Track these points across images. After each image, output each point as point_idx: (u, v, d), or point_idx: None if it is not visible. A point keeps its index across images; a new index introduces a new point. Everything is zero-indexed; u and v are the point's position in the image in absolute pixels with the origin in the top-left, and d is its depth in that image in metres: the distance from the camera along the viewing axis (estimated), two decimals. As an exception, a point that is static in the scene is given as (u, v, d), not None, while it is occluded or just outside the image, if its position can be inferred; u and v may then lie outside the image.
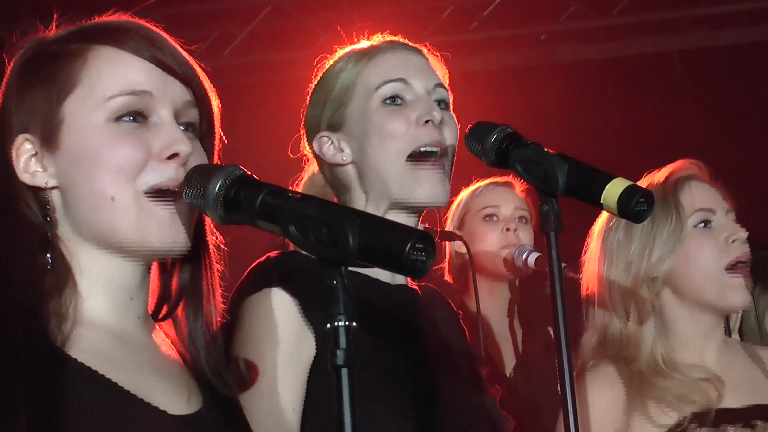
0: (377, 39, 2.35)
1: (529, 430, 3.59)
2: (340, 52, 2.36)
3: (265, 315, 2.09)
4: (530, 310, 3.97)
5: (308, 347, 2.10)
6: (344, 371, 1.52)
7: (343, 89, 2.29)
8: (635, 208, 2.07)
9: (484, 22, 6.39)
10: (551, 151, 2.13)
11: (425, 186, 2.22)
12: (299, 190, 2.44)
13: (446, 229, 3.87)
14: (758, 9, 6.34)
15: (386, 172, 2.23)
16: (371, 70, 2.28)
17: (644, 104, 6.84)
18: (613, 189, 2.08)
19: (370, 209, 2.25)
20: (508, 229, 3.77)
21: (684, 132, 6.50)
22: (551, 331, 3.97)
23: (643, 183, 2.82)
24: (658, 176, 2.83)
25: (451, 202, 3.89)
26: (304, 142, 2.39)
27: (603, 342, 2.76)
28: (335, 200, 2.35)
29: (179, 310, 1.81)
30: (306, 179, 2.44)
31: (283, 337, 2.08)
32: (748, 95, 6.62)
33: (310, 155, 2.38)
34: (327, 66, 2.35)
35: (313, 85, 2.37)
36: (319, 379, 2.09)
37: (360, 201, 2.28)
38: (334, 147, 2.29)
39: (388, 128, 2.23)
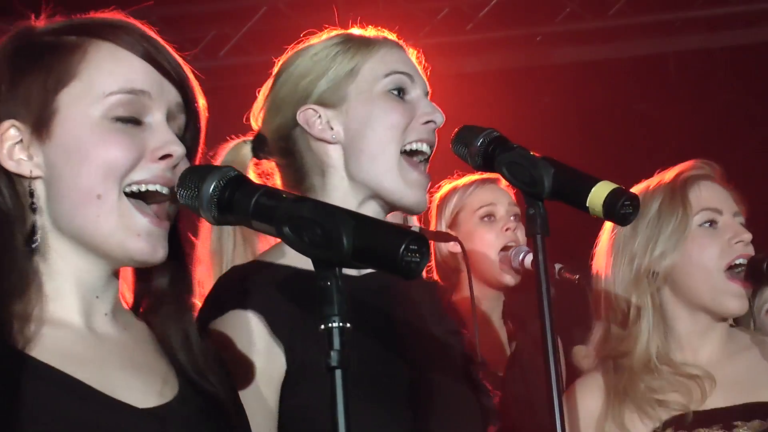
0: (373, 32, 2.33)
1: (525, 427, 3.59)
2: (331, 33, 2.32)
3: (232, 338, 2.06)
4: (522, 310, 3.97)
5: (278, 365, 2.08)
6: (338, 372, 1.52)
7: (345, 68, 2.24)
8: (620, 211, 2.08)
9: (480, 24, 6.39)
10: (537, 155, 2.14)
11: (415, 191, 2.21)
12: (223, 152, 2.34)
13: (433, 227, 3.87)
14: (753, 11, 6.34)
15: (379, 158, 2.20)
16: (381, 57, 2.25)
17: (639, 106, 6.85)
18: (599, 192, 2.08)
19: (348, 193, 2.23)
20: (507, 229, 3.77)
21: (679, 134, 6.51)
22: None
23: (653, 181, 2.86)
24: (669, 174, 2.85)
25: (431, 194, 3.88)
26: (261, 111, 2.32)
27: (606, 336, 2.80)
28: (288, 182, 2.29)
29: (157, 309, 1.81)
30: (232, 146, 2.34)
31: (253, 359, 2.05)
32: (743, 97, 6.63)
33: (275, 126, 2.28)
34: (314, 42, 2.31)
35: (290, 57, 2.30)
36: (293, 399, 2.09)
37: (338, 183, 2.24)
38: (321, 122, 2.24)
39: (394, 117, 2.21)
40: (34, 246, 1.67)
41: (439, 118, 2.23)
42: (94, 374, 1.65)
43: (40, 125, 1.69)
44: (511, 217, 3.82)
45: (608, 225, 2.86)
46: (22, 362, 1.60)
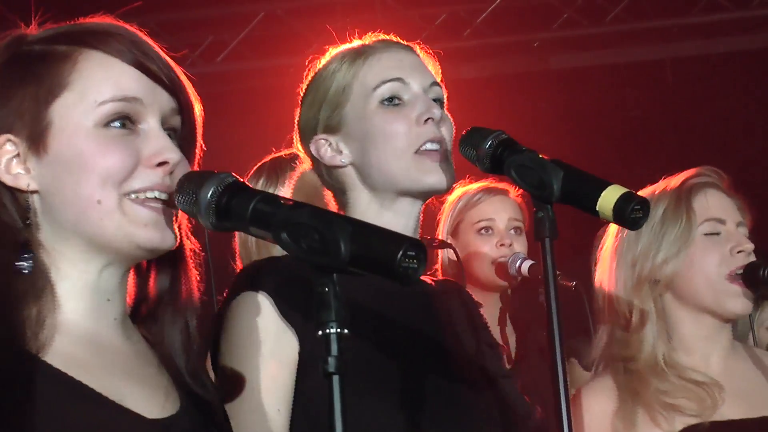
0: (369, 38, 2.33)
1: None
2: (333, 52, 2.33)
3: (243, 318, 2.10)
4: (524, 316, 3.98)
5: (290, 347, 2.09)
6: (335, 378, 1.52)
7: (339, 90, 2.27)
8: (631, 215, 2.06)
9: (478, 30, 6.40)
10: (546, 158, 2.13)
11: (433, 174, 2.21)
12: (290, 185, 2.43)
13: (438, 231, 3.89)
14: (750, 17, 6.36)
15: (393, 167, 2.21)
16: (368, 70, 2.26)
17: (636, 112, 6.86)
18: (609, 196, 2.07)
19: (375, 205, 2.25)
20: (502, 245, 3.81)
21: (676, 140, 6.51)
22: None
23: (659, 187, 2.85)
24: (675, 180, 2.84)
25: (443, 200, 3.89)
26: (297, 143, 2.37)
27: (610, 341, 2.79)
28: (332, 199, 2.33)
29: (157, 313, 1.80)
30: (297, 176, 2.41)
31: (263, 339, 2.07)
32: (740, 104, 6.64)
33: (303, 155, 2.36)
34: (320, 66, 2.33)
35: (305, 86, 2.34)
36: (306, 383, 2.09)
37: (362, 199, 2.27)
38: (332, 149, 2.27)
39: (391, 129, 2.21)
40: (29, 264, 1.65)
41: (437, 112, 2.23)
42: (102, 381, 1.65)
43: (35, 138, 1.68)
44: (511, 231, 3.84)
45: (613, 228, 2.85)
46: (35, 366, 1.59)
